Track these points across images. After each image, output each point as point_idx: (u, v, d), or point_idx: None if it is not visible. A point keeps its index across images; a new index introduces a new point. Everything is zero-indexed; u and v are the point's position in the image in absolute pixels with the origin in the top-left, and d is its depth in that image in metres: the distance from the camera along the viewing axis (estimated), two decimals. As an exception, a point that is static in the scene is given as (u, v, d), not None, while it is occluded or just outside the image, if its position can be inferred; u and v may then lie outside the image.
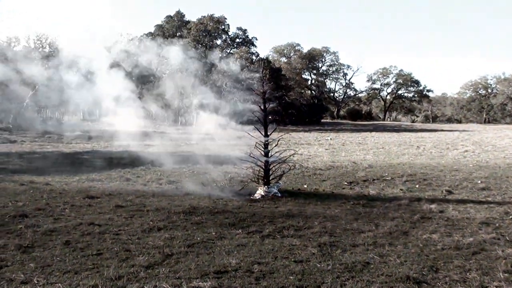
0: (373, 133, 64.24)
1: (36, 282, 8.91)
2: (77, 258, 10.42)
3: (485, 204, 17.25)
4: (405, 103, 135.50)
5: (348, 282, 9.10)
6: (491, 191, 19.75)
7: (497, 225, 13.94)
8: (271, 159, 19.19)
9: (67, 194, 18.44)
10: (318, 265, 10.08)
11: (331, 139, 53.43)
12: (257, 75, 20.43)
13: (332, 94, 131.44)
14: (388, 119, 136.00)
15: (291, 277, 9.31)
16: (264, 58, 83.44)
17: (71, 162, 27.98)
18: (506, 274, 9.56)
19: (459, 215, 15.28)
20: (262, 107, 19.25)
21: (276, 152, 19.56)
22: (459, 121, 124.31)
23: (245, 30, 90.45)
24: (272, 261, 10.36)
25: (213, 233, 12.65)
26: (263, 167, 19.07)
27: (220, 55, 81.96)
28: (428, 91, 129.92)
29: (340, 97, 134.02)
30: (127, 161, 28.64)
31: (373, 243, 11.88)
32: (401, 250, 11.37)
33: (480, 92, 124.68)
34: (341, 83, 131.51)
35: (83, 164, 27.26)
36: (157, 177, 23.47)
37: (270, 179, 19.05)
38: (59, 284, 8.81)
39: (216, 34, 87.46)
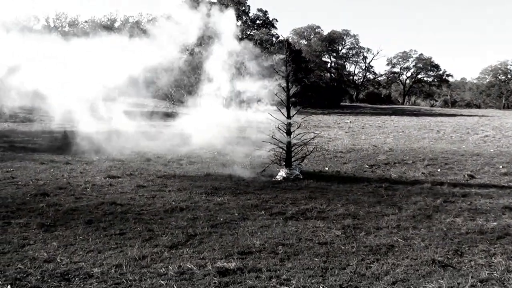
0: (393, 117, 63.81)
1: (59, 260, 8.96)
2: (100, 238, 10.49)
3: (507, 189, 17.11)
4: (424, 87, 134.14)
5: (373, 265, 9.08)
6: (513, 176, 19.57)
7: (520, 210, 13.79)
8: (293, 141, 19.12)
9: (87, 174, 18.53)
10: (343, 247, 10.07)
11: (350, 122, 53.14)
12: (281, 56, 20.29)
13: (351, 77, 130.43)
14: (407, 103, 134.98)
15: (316, 259, 9.30)
16: (285, 39, 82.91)
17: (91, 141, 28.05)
18: (532, 259, 9.46)
19: (482, 199, 15.16)
20: (286, 89, 19.15)
21: (298, 134, 19.49)
22: (478, 106, 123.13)
23: (266, 11, 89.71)
24: (296, 242, 10.37)
25: (236, 214, 12.68)
26: (285, 149, 18.99)
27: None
28: (447, 75, 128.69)
29: (359, 81, 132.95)
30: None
31: (396, 226, 11.85)
32: (425, 233, 11.33)
33: (499, 77, 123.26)
34: (360, 66, 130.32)
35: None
36: (178, 157, 23.49)
37: (292, 161, 18.98)
38: (83, 263, 8.86)
39: (236, 15, 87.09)
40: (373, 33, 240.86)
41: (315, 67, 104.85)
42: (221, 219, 12.14)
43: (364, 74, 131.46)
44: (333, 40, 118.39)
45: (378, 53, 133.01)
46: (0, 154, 22.91)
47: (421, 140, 34.48)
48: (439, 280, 8.39)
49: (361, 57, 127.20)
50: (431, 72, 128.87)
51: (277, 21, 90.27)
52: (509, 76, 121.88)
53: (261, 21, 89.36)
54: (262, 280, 8.26)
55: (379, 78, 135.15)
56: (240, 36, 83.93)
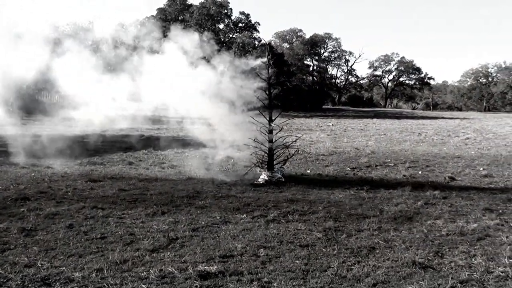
0: (375, 120, 64.13)
1: (40, 265, 8.90)
2: (81, 242, 10.44)
3: (488, 191, 17.24)
4: (406, 90, 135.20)
5: (354, 267, 9.12)
6: (493, 178, 19.75)
7: (500, 211, 13.96)
8: (275, 144, 19.11)
9: (69, 177, 18.42)
10: (324, 250, 10.11)
11: (332, 125, 53.33)
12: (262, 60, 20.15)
13: (333, 81, 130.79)
14: (389, 106, 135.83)
15: (297, 261, 9.33)
16: (267, 43, 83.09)
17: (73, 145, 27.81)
18: (511, 260, 9.58)
19: (463, 201, 15.25)
20: (267, 92, 19.17)
21: (280, 138, 19.51)
22: (460, 109, 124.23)
23: (248, 14, 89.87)
24: (278, 245, 10.39)
25: (218, 218, 12.66)
26: (267, 152, 19.00)
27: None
28: (429, 78, 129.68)
29: (341, 84, 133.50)
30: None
31: (378, 228, 11.91)
32: (406, 235, 11.40)
33: (480, 80, 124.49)
34: (342, 70, 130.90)
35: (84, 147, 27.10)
36: (159, 161, 23.44)
37: (274, 164, 18.99)
38: (64, 268, 8.81)
39: (218, 18, 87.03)
40: (355, 36, 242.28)
41: (297, 70, 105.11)
42: (203, 223, 12.11)
43: (346, 77, 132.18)
44: (315, 44, 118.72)
45: (360, 56, 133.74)
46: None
47: (403, 143, 34.69)
48: (420, 282, 8.45)
49: (343, 60, 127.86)
50: (413, 75, 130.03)
51: (259, 24, 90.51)
52: (490, 79, 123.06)
53: (243, 24, 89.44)
54: (243, 283, 8.28)
55: (361, 81, 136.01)
56: (223, 40, 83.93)
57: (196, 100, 19.94)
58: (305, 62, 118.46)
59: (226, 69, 20.23)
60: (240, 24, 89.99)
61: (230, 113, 19.93)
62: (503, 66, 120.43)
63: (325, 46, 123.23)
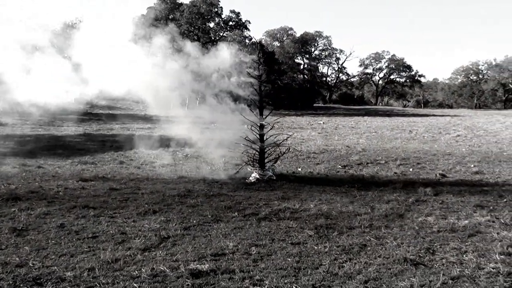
0: (366, 118, 64.04)
1: (31, 265, 8.87)
2: (72, 241, 10.41)
3: (478, 187, 17.27)
4: (397, 88, 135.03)
5: (346, 264, 9.13)
6: (484, 175, 19.82)
7: (491, 208, 13.99)
8: (266, 143, 19.11)
9: (60, 177, 18.38)
10: (315, 247, 10.11)
11: (323, 123, 53.25)
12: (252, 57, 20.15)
13: (324, 79, 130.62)
14: (380, 104, 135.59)
15: (289, 259, 9.33)
16: (258, 41, 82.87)
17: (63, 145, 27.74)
18: (502, 256, 9.62)
19: (454, 198, 15.28)
20: (258, 91, 19.18)
21: (271, 136, 19.50)
22: (450, 106, 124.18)
23: (239, 13, 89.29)
24: (269, 243, 10.39)
25: (209, 216, 12.65)
26: (258, 150, 18.99)
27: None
28: (420, 76, 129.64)
29: (332, 82, 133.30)
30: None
31: (369, 226, 11.92)
32: (397, 232, 11.41)
33: (471, 77, 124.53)
34: (333, 68, 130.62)
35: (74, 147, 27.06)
36: (150, 160, 23.40)
37: (265, 162, 18.99)
38: (55, 267, 8.78)
39: (209, 17, 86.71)
40: (346, 34, 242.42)
41: (288, 68, 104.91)
42: (194, 221, 12.11)
43: (337, 75, 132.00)
44: (306, 42, 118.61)
45: (350, 54, 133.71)
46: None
47: (394, 140, 34.76)
48: (411, 278, 8.47)
49: (334, 59, 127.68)
50: (404, 73, 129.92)
51: (250, 23, 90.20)
52: (480, 76, 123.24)
53: (234, 23, 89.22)
54: (235, 281, 8.27)
55: (352, 79, 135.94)
56: (213, 38, 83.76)
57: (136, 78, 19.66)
58: (296, 60, 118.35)
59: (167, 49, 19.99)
60: (230, 23, 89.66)
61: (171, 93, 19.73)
62: (494, 63, 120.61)
63: (316, 44, 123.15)
